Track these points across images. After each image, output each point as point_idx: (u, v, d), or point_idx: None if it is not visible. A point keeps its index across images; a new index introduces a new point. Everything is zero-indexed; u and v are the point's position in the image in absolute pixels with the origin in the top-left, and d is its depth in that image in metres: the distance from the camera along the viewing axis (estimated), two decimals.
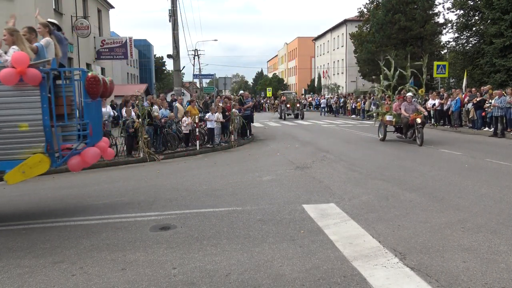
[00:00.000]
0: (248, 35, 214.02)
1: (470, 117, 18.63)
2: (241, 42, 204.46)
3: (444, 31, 34.10)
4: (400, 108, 14.16)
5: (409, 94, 14.49)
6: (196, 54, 51.07)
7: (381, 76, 16.78)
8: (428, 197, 6.89)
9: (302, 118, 29.76)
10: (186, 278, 4.04)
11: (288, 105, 30.59)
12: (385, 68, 16.02)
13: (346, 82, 50.74)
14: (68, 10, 22.05)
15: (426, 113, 14.33)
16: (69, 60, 22.29)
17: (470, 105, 18.65)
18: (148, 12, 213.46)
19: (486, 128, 17.41)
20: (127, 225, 5.78)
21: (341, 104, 35.11)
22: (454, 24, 28.75)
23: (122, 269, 4.31)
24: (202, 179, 9.12)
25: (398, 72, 15.69)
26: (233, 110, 15.53)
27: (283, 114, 30.36)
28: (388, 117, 14.76)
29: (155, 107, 13.95)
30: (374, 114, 17.28)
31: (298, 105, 31.15)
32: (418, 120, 13.22)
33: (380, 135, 15.47)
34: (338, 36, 54.56)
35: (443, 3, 38.14)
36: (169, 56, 20.02)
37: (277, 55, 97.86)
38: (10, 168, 5.56)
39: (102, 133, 7.27)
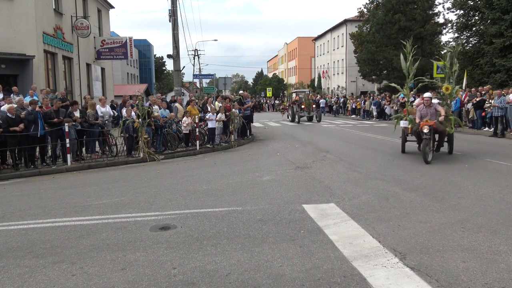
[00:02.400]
0: (248, 35, 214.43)
1: (470, 117, 18.66)
2: (241, 42, 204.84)
3: (444, 31, 34.12)
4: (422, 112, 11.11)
5: (427, 94, 11.30)
6: (196, 54, 51.20)
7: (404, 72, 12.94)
8: (428, 197, 6.89)
9: (319, 121, 26.28)
10: (186, 278, 4.04)
11: (302, 106, 26.58)
12: (403, 59, 12.59)
13: (346, 82, 50.74)
14: (68, 10, 22.03)
15: (443, 118, 10.69)
16: (69, 60, 22.31)
17: (470, 105, 18.68)
18: (148, 12, 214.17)
19: (486, 128, 17.44)
20: (127, 225, 5.78)
21: (341, 104, 35.15)
22: (454, 24, 28.78)
23: (122, 269, 4.30)
24: (202, 179, 9.12)
25: (417, 64, 12.62)
26: (233, 110, 15.54)
27: (296, 117, 26.18)
28: (402, 123, 11.76)
29: (156, 107, 13.96)
30: (397, 118, 13.05)
31: (314, 105, 27.62)
32: (425, 129, 10.23)
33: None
34: (338, 36, 54.54)
35: (443, 3, 38.25)
36: (169, 56, 20.03)
37: (277, 55, 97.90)
38: None
39: None
